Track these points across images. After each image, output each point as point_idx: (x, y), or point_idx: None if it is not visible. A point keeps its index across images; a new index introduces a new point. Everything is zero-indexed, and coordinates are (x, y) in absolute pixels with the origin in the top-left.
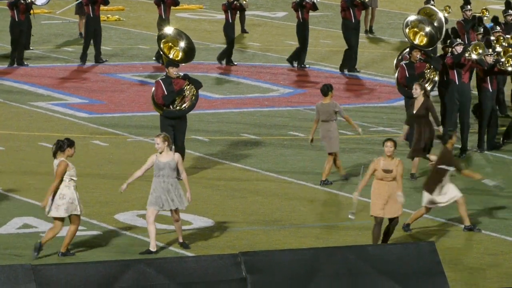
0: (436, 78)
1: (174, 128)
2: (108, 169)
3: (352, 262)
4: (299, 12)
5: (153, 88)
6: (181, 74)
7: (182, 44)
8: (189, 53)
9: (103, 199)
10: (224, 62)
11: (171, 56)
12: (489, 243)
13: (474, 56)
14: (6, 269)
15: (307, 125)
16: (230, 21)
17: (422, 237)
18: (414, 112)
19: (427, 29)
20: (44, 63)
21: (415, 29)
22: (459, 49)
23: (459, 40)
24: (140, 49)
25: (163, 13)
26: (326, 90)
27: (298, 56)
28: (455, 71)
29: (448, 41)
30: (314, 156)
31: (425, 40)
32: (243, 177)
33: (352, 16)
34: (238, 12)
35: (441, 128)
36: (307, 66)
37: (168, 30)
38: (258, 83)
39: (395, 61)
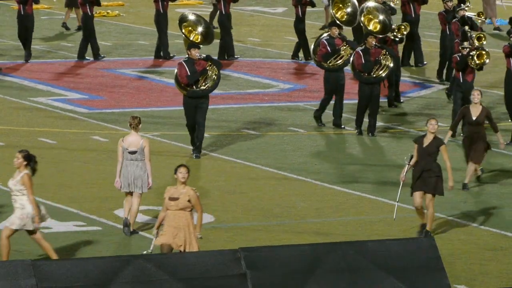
0: (391, 64)
1: (197, 108)
2: (108, 164)
3: (351, 258)
4: None
5: (176, 70)
6: (203, 55)
7: (200, 28)
8: (208, 37)
9: (103, 194)
10: (299, 57)
11: (191, 38)
12: (489, 239)
13: None
14: (6, 264)
15: (307, 121)
16: (300, 15)
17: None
18: (474, 119)
19: (381, 17)
20: (43, 59)
21: (370, 16)
22: None
23: None
24: (140, 45)
25: (223, 8)
26: None
27: None
28: (511, 59)
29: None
30: (314, 152)
31: (378, 27)
32: (242, 172)
33: (412, 10)
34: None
35: (499, 135)
36: None
37: (190, 15)
38: (258, 79)
39: (312, 46)
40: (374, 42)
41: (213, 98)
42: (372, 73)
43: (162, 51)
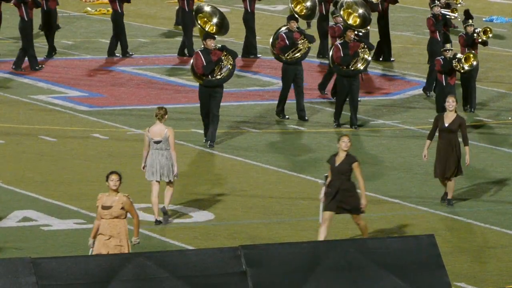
0: (369, 58)
1: (211, 97)
2: (108, 162)
3: (351, 255)
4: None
5: (191, 60)
6: (218, 45)
7: (215, 19)
8: (222, 28)
9: (103, 192)
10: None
11: (207, 29)
12: (489, 236)
13: None
14: (6, 262)
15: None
16: (324, 13)
17: (421, 230)
18: (446, 125)
19: (360, 11)
20: (43, 57)
21: (349, 10)
22: None
23: None
24: (140, 42)
25: (248, 6)
26: None
27: (381, 49)
28: None
29: (470, 20)
30: (314, 149)
31: (358, 21)
32: (242, 170)
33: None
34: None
35: (468, 149)
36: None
37: (205, 6)
38: (258, 76)
39: (271, 40)
40: (353, 36)
41: None
42: (350, 66)
43: (187, 49)
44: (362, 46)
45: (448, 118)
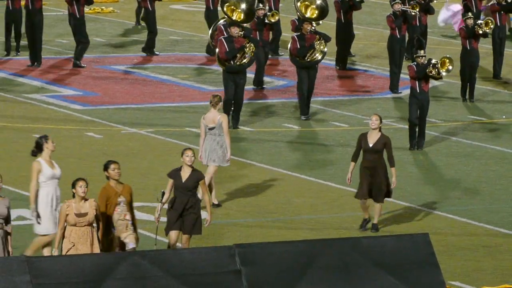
0: (325, 49)
1: (235, 82)
2: (102, 161)
3: (346, 254)
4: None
5: (217, 48)
6: (241, 33)
7: (243, 6)
8: (250, 14)
9: (98, 191)
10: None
11: (233, 18)
12: (484, 235)
13: None
14: (0, 261)
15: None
16: (343, 20)
17: (416, 229)
18: (370, 146)
19: (318, 2)
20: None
21: (307, 2)
22: None
23: None
24: (135, 41)
25: (272, 4)
26: None
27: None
28: None
29: (469, 13)
30: (308, 148)
31: (316, 13)
32: (237, 169)
33: (474, 6)
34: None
35: (394, 170)
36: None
37: None
38: (252, 75)
39: (210, 31)
40: (309, 28)
41: (207, 94)
42: (306, 58)
43: (207, 46)
44: (318, 38)
45: (372, 138)
